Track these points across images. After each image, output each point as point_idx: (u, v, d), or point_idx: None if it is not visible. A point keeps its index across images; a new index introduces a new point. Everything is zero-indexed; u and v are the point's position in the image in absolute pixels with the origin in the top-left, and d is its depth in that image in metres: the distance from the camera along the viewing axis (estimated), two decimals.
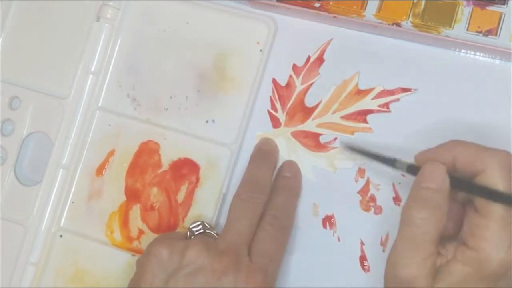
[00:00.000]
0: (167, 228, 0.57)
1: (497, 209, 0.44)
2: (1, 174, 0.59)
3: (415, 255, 0.45)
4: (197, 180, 0.57)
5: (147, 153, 0.58)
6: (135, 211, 0.57)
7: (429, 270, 0.45)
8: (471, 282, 0.44)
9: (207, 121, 0.57)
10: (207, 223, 0.54)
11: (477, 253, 0.44)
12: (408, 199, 0.47)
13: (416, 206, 0.46)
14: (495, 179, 0.45)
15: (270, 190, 0.54)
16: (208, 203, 0.56)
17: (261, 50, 0.57)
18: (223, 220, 0.55)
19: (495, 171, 0.45)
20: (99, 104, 0.59)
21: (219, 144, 0.57)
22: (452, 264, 0.45)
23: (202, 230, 0.53)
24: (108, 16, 0.59)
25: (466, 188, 0.46)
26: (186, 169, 0.57)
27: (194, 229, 0.53)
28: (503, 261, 0.44)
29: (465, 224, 0.46)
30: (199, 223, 0.53)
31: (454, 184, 0.46)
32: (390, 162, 0.50)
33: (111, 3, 0.59)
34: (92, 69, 0.59)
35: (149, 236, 0.57)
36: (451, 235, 0.48)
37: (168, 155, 0.58)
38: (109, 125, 0.59)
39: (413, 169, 0.48)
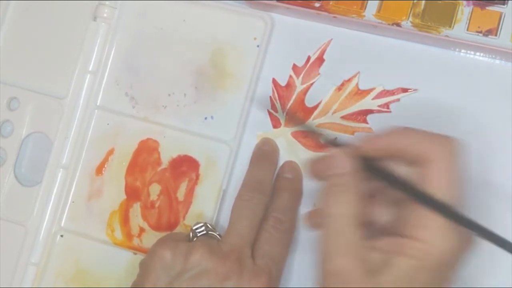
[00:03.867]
0: (168, 226, 0.57)
1: (428, 214, 0.43)
2: (1, 175, 0.59)
3: (338, 245, 0.44)
4: (197, 177, 0.57)
5: (146, 151, 0.58)
6: (136, 209, 0.58)
7: (358, 259, 0.43)
8: (418, 274, 0.43)
9: (205, 118, 0.57)
10: (210, 224, 0.54)
11: (422, 244, 0.43)
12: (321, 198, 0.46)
13: (324, 196, 0.45)
14: (442, 170, 0.43)
15: (271, 190, 0.54)
16: (209, 200, 0.57)
17: (258, 46, 0.57)
18: (223, 217, 0.56)
19: (442, 158, 0.43)
20: (98, 103, 0.59)
21: (218, 141, 0.57)
22: (395, 258, 0.43)
23: (205, 232, 0.53)
24: (105, 15, 0.59)
25: (394, 183, 0.45)
26: (185, 166, 0.57)
27: (197, 231, 0.53)
28: (447, 251, 0.43)
29: (404, 215, 0.44)
30: (201, 224, 0.53)
31: (379, 175, 0.45)
32: (333, 142, 0.49)
33: (107, 2, 0.59)
34: (90, 69, 0.59)
35: (150, 234, 0.57)
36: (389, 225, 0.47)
37: (167, 153, 0.58)
38: (107, 124, 0.59)
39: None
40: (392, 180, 0.45)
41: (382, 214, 0.47)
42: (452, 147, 0.44)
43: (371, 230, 0.46)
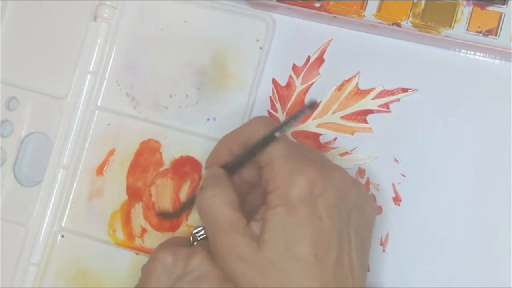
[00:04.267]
0: (170, 226, 0.57)
1: (272, 151, 0.47)
2: (1, 175, 0.59)
3: (217, 227, 0.47)
4: (199, 177, 0.57)
5: (148, 151, 0.58)
6: (137, 209, 0.58)
7: (238, 233, 0.47)
8: (290, 216, 0.45)
9: (208, 119, 0.57)
10: None
11: (276, 192, 0.46)
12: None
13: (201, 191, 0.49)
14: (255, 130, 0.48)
15: None
16: None
17: (260, 48, 0.57)
18: None
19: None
20: (98, 104, 0.59)
21: None
22: (265, 216, 0.46)
23: (205, 235, 0.53)
24: (105, 15, 0.59)
25: (248, 157, 0.49)
26: (188, 167, 0.57)
27: (197, 235, 0.53)
28: (299, 184, 0.45)
29: (262, 177, 0.48)
30: (201, 228, 0.53)
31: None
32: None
33: (108, 2, 0.59)
34: (90, 69, 0.59)
35: (152, 235, 0.57)
36: None
37: (169, 154, 0.58)
38: (108, 124, 0.59)
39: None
40: (242, 162, 0.50)
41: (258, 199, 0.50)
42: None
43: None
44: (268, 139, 0.48)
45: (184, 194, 0.57)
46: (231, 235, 0.47)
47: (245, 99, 0.57)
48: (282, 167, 0.46)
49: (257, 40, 0.57)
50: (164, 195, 0.57)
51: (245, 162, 0.50)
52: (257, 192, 0.51)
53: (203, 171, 0.56)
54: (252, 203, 0.51)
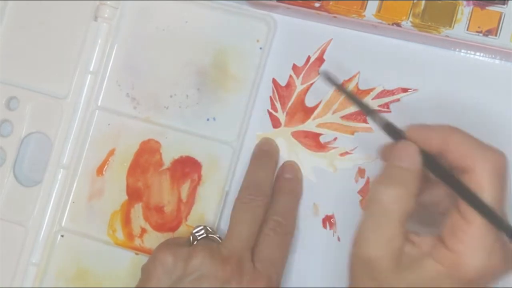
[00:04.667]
0: (170, 227, 0.57)
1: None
2: (1, 175, 0.59)
3: (378, 235, 0.44)
4: (199, 178, 0.57)
5: (148, 152, 0.58)
6: (137, 209, 0.58)
7: (393, 252, 0.43)
8: (442, 282, 0.42)
9: (208, 119, 0.57)
10: (210, 227, 0.54)
11: (453, 255, 0.42)
12: (378, 176, 0.45)
13: (382, 182, 0.44)
14: (483, 184, 0.42)
15: (271, 191, 0.54)
16: (211, 201, 0.57)
17: (261, 48, 0.57)
18: (226, 218, 0.56)
19: (485, 174, 0.42)
20: (99, 104, 0.59)
21: (220, 142, 0.57)
22: (425, 259, 0.43)
23: (205, 235, 0.53)
24: (106, 15, 0.59)
25: (446, 180, 0.44)
26: (188, 167, 0.57)
27: (197, 234, 0.53)
28: (478, 268, 0.42)
29: (447, 220, 0.44)
30: (201, 227, 0.53)
31: (434, 171, 0.45)
32: (368, 110, 0.48)
33: (108, 2, 0.59)
34: (91, 69, 0.59)
35: (152, 235, 0.57)
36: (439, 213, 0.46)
37: (169, 154, 0.58)
38: (108, 124, 0.59)
39: (389, 129, 0.46)
40: (447, 179, 0.44)
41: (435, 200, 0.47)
42: (497, 163, 0.43)
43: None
44: (477, 203, 0.42)
45: (184, 194, 0.57)
46: (380, 246, 0.43)
47: (245, 100, 0.57)
48: (477, 242, 0.42)
49: (258, 41, 0.57)
50: (163, 191, 0.57)
51: (442, 178, 0.44)
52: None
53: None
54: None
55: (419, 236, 0.44)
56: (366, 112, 0.48)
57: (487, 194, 0.42)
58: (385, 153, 0.48)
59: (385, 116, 0.47)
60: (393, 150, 0.45)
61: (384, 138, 0.54)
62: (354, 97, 0.49)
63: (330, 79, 0.49)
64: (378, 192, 0.44)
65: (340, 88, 0.50)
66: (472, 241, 0.42)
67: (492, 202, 0.42)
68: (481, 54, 0.53)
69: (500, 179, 0.42)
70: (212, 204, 0.56)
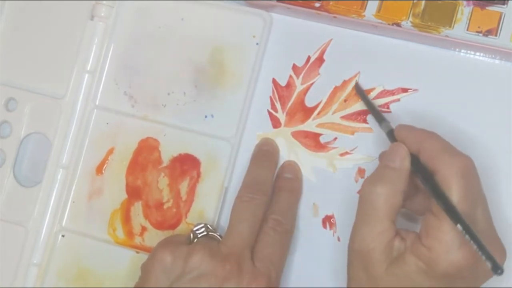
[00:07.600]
0: (170, 224, 0.57)
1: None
2: (1, 176, 0.59)
3: (369, 229, 0.47)
4: (198, 175, 0.57)
5: (146, 150, 0.58)
6: (137, 208, 0.58)
7: (385, 245, 0.47)
8: (422, 277, 0.46)
9: (206, 116, 0.57)
10: (210, 225, 0.54)
11: (429, 251, 0.45)
12: (370, 175, 0.49)
13: (372, 180, 0.48)
14: (450, 184, 0.45)
15: (271, 190, 0.55)
16: (210, 198, 0.57)
17: (257, 44, 0.57)
18: (225, 215, 0.56)
19: (452, 175, 0.45)
20: (97, 103, 0.59)
21: (219, 139, 0.57)
22: (407, 254, 0.46)
23: (205, 233, 0.53)
24: (102, 14, 0.58)
25: (424, 180, 0.47)
26: (187, 164, 0.57)
27: (197, 232, 0.53)
28: (452, 263, 0.45)
29: (425, 218, 0.47)
30: (202, 225, 0.54)
31: (416, 171, 0.48)
32: (379, 118, 0.52)
33: (104, 1, 0.59)
34: (88, 68, 0.59)
35: (152, 233, 0.57)
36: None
37: (168, 151, 0.58)
38: (107, 123, 0.59)
39: (391, 136, 0.50)
40: (427, 181, 0.47)
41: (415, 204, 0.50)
42: (462, 165, 0.46)
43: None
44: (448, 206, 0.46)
45: (183, 191, 0.57)
46: (372, 239, 0.47)
47: (243, 96, 0.57)
48: (449, 238, 0.45)
49: (254, 36, 0.57)
50: (162, 189, 0.57)
51: (424, 179, 0.48)
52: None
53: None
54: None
55: (407, 231, 0.48)
56: (378, 120, 0.52)
57: (454, 193, 0.45)
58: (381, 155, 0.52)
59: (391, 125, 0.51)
60: (386, 151, 0.50)
61: (384, 138, 0.54)
62: (375, 109, 0.53)
63: (361, 92, 0.54)
64: (366, 190, 0.48)
65: (366, 100, 0.54)
66: (443, 237, 0.45)
67: (459, 201, 0.45)
68: (481, 54, 0.53)
69: (466, 180, 0.46)
70: (211, 201, 0.57)
